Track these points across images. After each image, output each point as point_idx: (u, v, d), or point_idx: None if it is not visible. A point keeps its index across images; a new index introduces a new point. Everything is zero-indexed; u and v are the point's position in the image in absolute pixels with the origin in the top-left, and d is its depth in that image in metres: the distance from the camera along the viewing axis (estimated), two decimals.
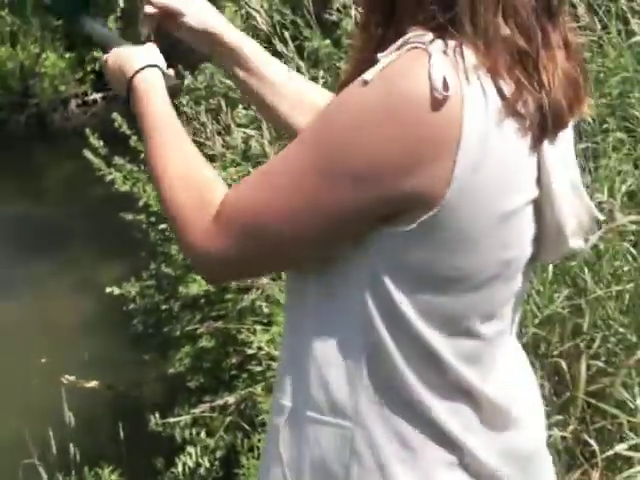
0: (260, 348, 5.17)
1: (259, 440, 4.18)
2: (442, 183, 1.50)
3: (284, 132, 2.17)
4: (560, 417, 3.33)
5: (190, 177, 1.70)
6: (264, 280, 5.24)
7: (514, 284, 1.68)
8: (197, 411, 4.92)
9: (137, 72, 1.87)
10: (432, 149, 1.49)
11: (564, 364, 3.57)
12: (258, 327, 5.52)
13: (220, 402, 4.71)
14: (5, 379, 7.32)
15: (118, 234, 9.00)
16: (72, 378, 6.41)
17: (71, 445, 4.89)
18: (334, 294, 1.62)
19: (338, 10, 5.93)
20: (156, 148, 1.76)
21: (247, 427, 4.48)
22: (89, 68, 13.17)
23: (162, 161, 1.74)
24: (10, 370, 7.54)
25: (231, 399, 4.71)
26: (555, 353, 3.66)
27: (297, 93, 2.09)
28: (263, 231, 1.59)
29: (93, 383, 6.58)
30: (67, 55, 13.08)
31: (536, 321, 3.65)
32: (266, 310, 5.56)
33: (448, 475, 1.64)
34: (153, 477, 4.87)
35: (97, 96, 13.33)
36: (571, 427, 3.28)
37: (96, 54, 13.00)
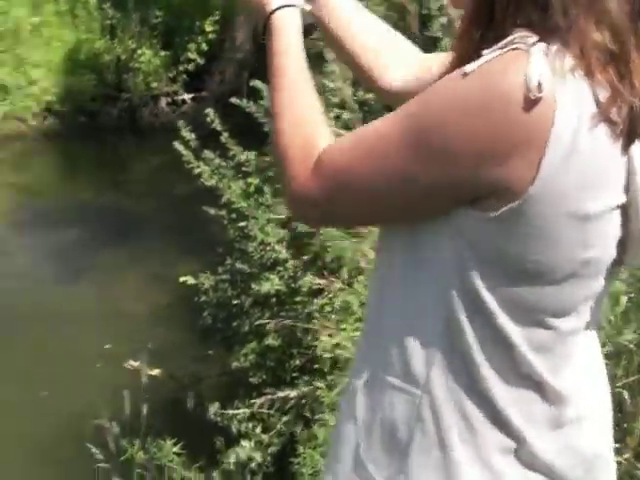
0: (325, 350, 5.22)
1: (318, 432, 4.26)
2: (527, 178, 1.57)
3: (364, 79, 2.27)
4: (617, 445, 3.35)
5: (305, 119, 1.81)
6: (337, 285, 5.32)
7: (594, 284, 1.72)
8: (258, 402, 5.01)
9: (277, 9, 1.94)
10: (520, 146, 1.56)
11: (627, 395, 3.58)
12: (324, 335, 5.56)
13: (281, 394, 4.78)
14: (70, 361, 7.50)
15: (197, 230, 9.23)
16: (136, 364, 6.50)
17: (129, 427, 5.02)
18: (420, 268, 1.70)
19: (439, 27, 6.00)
20: (281, 86, 1.86)
21: (308, 416, 4.53)
22: (182, 68, 13.39)
23: (284, 100, 1.84)
24: (76, 352, 7.71)
25: (293, 393, 4.78)
26: (619, 385, 3.67)
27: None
28: (350, 187, 1.70)
29: (156, 371, 6.69)
30: (162, 53, 13.31)
31: (604, 350, 3.66)
32: (334, 317, 5.60)
33: (502, 460, 1.70)
34: (210, 460, 4.93)
35: (187, 96, 13.56)
36: (626, 455, 3.30)
37: (190, 55, 13.26)
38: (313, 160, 1.74)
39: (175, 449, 4.23)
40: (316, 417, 4.31)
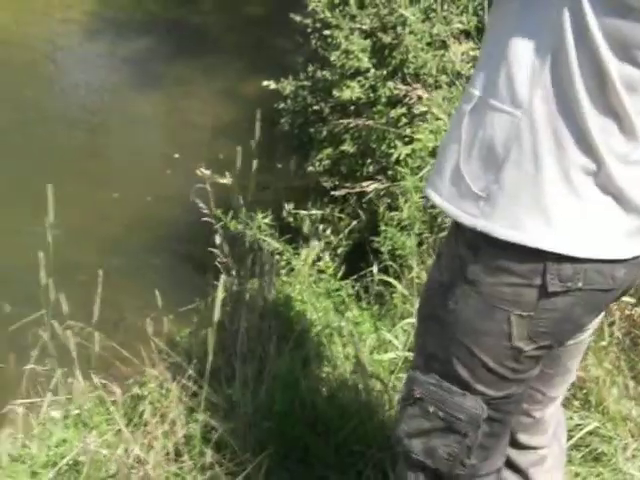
0: (398, 161, 5.39)
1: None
2: None
3: None
4: None
5: None
6: (418, 92, 5.48)
7: None
8: (337, 193, 5.24)
9: None
10: None
11: None
12: (399, 142, 5.70)
13: (358, 189, 5.00)
14: (140, 165, 7.73)
15: (267, 49, 9.37)
16: (207, 172, 6.67)
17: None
18: (535, 3, 1.92)
19: None
20: None
21: (389, 202, 4.74)
22: None
23: None
24: (146, 158, 7.95)
25: (372, 186, 5.01)
26: None
27: None
28: None
29: (227, 179, 6.84)
30: None
31: None
32: (408, 130, 5.74)
33: (583, 178, 1.97)
34: None
35: None
36: None
37: None
38: None
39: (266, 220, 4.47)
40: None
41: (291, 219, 5.75)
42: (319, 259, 5.17)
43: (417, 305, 2.53)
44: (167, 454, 3.01)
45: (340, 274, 4.58)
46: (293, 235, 5.34)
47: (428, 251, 4.28)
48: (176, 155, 7.92)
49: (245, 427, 3.11)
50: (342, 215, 5.94)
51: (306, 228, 5.70)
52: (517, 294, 2.03)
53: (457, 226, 2.09)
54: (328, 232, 5.73)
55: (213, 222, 3.93)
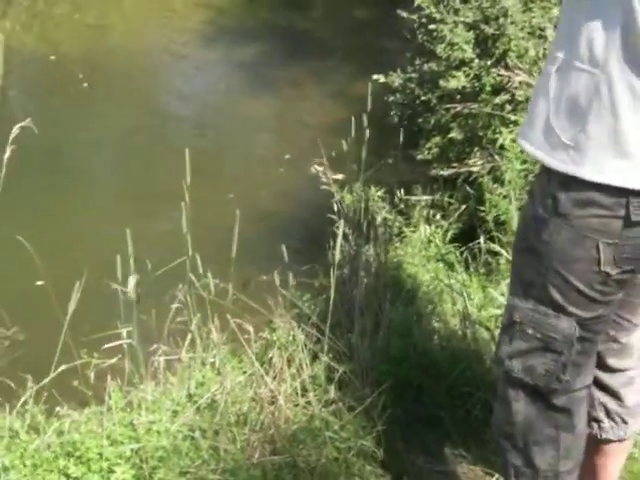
0: (503, 147, 5.65)
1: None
2: None
3: None
4: None
5: None
6: (519, 78, 5.74)
7: None
8: (445, 173, 5.52)
9: None
10: None
11: None
12: (504, 128, 5.94)
13: (465, 168, 5.27)
14: (256, 165, 8.11)
15: (375, 53, 9.68)
16: (320, 168, 6.95)
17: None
18: None
19: None
20: None
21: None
22: None
23: None
24: (261, 157, 8.34)
25: (478, 163, 5.30)
26: None
27: None
28: None
29: (339, 175, 7.12)
30: None
31: None
32: (512, 117, 5.97)
33: None
34: None
35: None
36: None
37: None
38: None
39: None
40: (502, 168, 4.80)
41: (402, 206, 6.02)
42: (429, 242, 5.46)
43: None
44: (295, 391, 3.36)
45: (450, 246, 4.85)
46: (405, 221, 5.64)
47: None
48: (288, 155, 8.25)
49: (363, 369, 3.43)
50: (452, 200, 6.18)
51: (416, 213, 5.97)
52: (604, 224, 2.34)
53: (548, 170, 2.40)
54: (438, 217, 5.99)
55: (332, 192, 4.23)
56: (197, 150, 8.10)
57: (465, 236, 5.44)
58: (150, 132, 8.28)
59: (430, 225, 5.86)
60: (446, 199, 6.22)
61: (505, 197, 4.62)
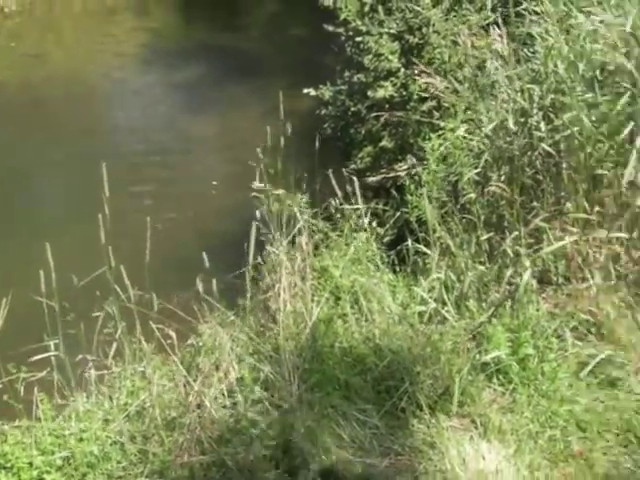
0: (434, 149, 5.76)
1: None
2: None
3: None
4: None
5: None
6: (442, 85, 5.87)
7: None
8: (374, 179, 5.63)
9: None
10: None
11: None
12: (433, 135, 6.05)
13: (393, 173, 5.38)
14: (195, 181, 8.20)
15: (312, 69, 9.79)
16: (261, 185, 7.03)
17: None
18: None
19: None
20: None
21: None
22: None
23: None
24: (201, 175, 8.42)
25: (404, 167, 5.42)
26: None
27: None
28: None
29: (280, 191, 7.19)
30: None
31: None
32: (441, 123, 6.09)
33: None
34: None
35: None
36: None
37: None
38: None
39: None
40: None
41: (339, 215, 6.11)
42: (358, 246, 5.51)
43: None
44: (222, 393, 3.45)
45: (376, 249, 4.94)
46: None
47: (451, 216, 4.67)
48: (226, 173, 8.31)
49: (289, 368, 3.53)
50: (386, 207, 6.28)
51: (349, 220, 6.06)
52: None
53: None
54: (374, 224, 6.09)
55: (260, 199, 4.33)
56: (137, 170, 8.30)
57: (401, 240, 5.54)
58: (89, 155, 8.31)
59: (365, 231, 5.93)
60: (381, 206, 6.32)
61: (428, 197, 4.72)
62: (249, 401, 3.41)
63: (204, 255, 3.54)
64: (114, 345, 3.56)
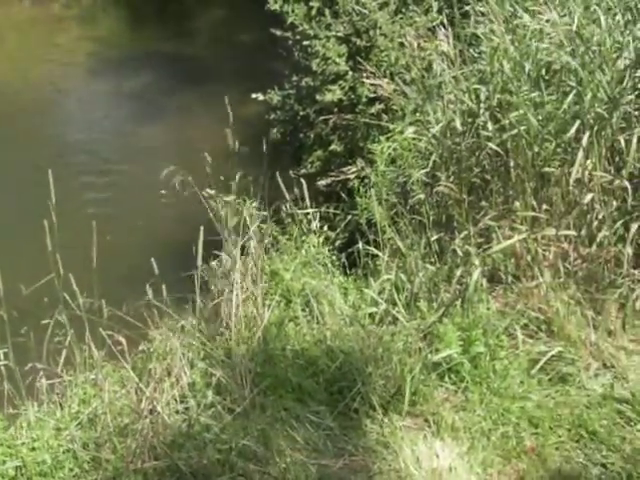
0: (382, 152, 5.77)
1: None
2: None
3: None
4: None
5: None
6: (389, 88, 5.89)
7: None
8: (323, 182, 5.63)
9: None
10: None
11: None
12: (382, 137, 6.07)
13: (342, 176, 5.40)
14: (145, 189, 8.13)
15: (260, 75, 9.78)
16: (212, 192, 7.00)
17: None
18: None
19: None
20: None
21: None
22: None
23: None
24: (151, 183, 8.37)
25: (350, 173, 5.44)
26: None
27: None
28: None
29: (231, 197, 7.17)
30: None
31: None
32: (391, 126, 6.11)
33: None
34: None
35: None
36: None
37: None
38: None
39: None
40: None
41: (289, 220, 6.11)
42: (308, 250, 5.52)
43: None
44: (174, 399, 3.43)
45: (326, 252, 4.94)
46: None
47: (401, 217, 4.69)
48: (178, 180, 8.25)
49: (241, 372, 3.52)
50: (337, 211, 6.28)
51: (299, 224, 6.06)
52: None
53: None
54: (325, 228, 6.10)
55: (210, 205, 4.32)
56: (85, 181, 8.24)
57: (352, 243, 5.55)
58: (35, 165, 8.25)
59: (315, 234, 5.93)
60: (332, 210, 6.33)
61: (377, 199, 4.74)
62: (202, 406, 3.41)
63: (153, 262, 3.52)
64: (64, 353, 3.53)
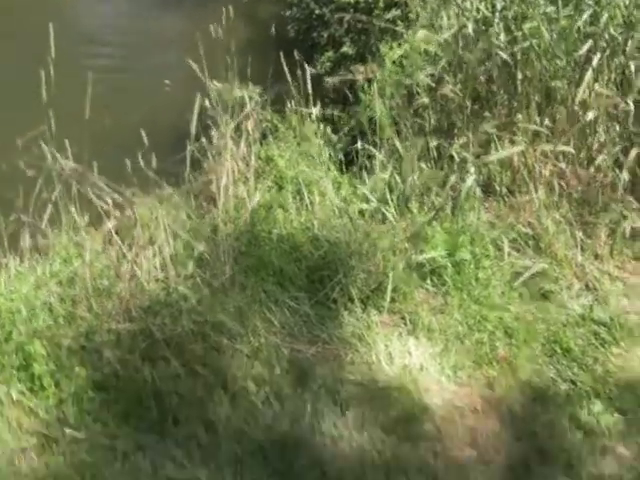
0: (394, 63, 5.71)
1: None
2: None
3: None
4: None
5: None
6: None
7: None
8: (331, 80, 5.57)
9: None
10: None
11: None
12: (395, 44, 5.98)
13: (350, 76, 5.33)
14: (159, 77, 8.06)
15: None
16: (219, 85, 6.91)
17: None
18: None
19: None
20: None
21: None
22: None
23: None
24: (164, 71, 8.28)
25: (359, 74, 5.38)
26: None
27: None
28: None
29: (240, 92, 7.07)
30: None
31: None
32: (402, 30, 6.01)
33: None
34: None
35: None
36: None
37: None
38: None
39: None
40: None
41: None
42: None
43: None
44: (155, 267, 3.43)
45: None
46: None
47: (403, 120, 4.65)
48: (191, 71, 8.21)
49: (225, 249, 3.52)
50: (342, 114, 6.23)
51: (307, 126, 6.01)
52: None
53: None
54: (329, 130, 6.06)
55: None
56: (102, 67, 8.15)
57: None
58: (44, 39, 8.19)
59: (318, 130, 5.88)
60: (336, 113, 6.27)
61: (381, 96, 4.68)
62: (181, 276, 3.41)
63: (142, 133, 3.49)
64: (49, 208, 3.52)
